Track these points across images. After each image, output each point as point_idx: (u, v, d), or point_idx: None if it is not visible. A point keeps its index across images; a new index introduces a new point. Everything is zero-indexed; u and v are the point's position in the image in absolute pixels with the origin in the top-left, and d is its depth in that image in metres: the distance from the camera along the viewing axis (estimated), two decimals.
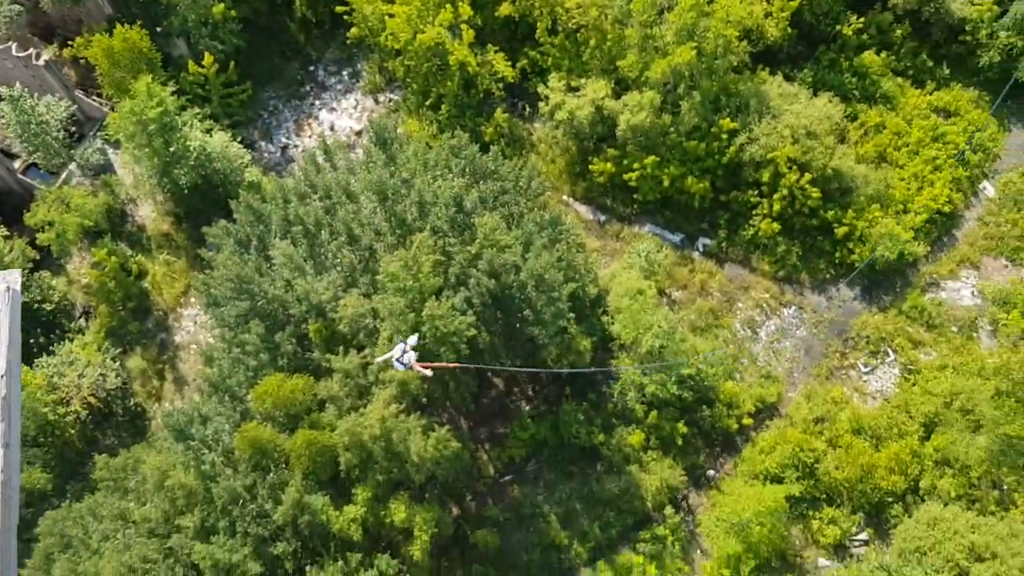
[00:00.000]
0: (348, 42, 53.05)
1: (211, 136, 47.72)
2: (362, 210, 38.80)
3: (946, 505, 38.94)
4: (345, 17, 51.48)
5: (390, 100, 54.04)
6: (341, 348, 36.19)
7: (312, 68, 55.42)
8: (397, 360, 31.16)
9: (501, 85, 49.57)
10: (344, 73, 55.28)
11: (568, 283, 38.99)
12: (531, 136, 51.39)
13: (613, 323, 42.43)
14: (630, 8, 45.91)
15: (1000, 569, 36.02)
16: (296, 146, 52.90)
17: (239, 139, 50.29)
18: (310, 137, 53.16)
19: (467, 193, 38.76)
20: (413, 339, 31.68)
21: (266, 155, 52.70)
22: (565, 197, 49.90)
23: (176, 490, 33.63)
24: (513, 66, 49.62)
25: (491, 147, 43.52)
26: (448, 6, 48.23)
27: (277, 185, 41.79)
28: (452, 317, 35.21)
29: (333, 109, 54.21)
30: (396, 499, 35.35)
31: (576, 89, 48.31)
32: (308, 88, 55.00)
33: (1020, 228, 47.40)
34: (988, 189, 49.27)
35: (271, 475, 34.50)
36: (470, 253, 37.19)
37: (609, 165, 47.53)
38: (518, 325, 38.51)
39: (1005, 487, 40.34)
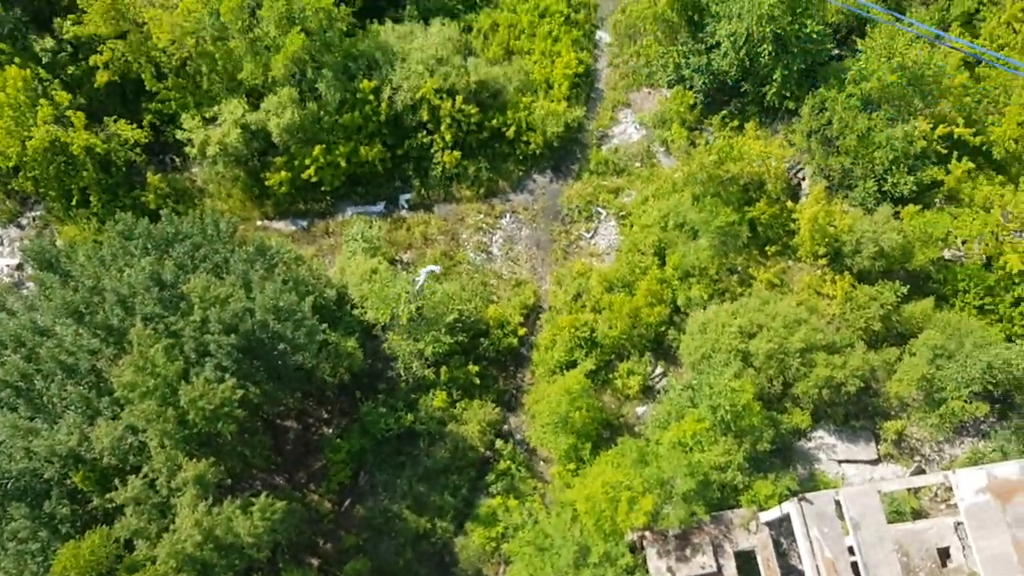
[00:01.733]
0: None
1: None
2: (64, 339, 35.81)
3: (705, 308, 43.40)
4: None
5: (34, 219, 49.52)
6: (117, 481, 33.74)
7: None
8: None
9: (139, 150, 47.03)
10: None
11: (305, 298, 38.52)
12: (196, 183, 49.35)
13: (365, 312, 42.66)
14: (222, 22, 44.84)
15: (771, 335, 40.99)
16: None
17: None
18: None
19: (161, 267, 36.92)
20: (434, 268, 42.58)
21: None
22: (259, 222, 48.73)
23: None
24: (140, 126, 47.14)
25: (161, 212, 41.49)
26: (43, 101, 44.66)
27: None
28: (212, 391, 33.80)
29: None
30: None
31: (213, 119, 46.83)
32: None
33: (642, 56, 52.21)
34: (604, 37, 53.88)
35: None
36: (196, 322, 35.63)
37: (283, 173, 46.88)
38: (280, 361, 37.73)
39: (739, 269, 45.71)
